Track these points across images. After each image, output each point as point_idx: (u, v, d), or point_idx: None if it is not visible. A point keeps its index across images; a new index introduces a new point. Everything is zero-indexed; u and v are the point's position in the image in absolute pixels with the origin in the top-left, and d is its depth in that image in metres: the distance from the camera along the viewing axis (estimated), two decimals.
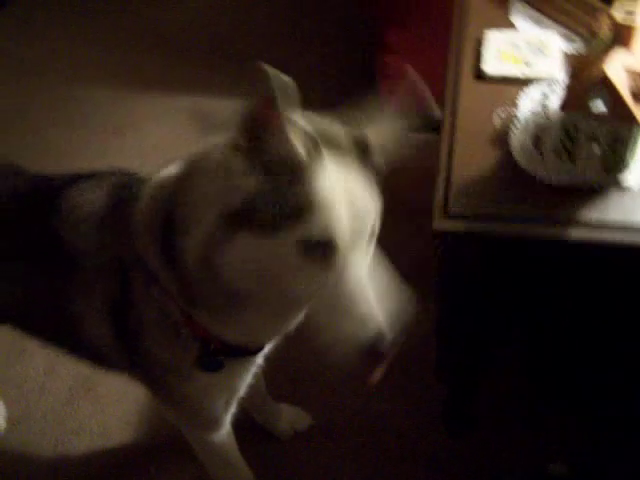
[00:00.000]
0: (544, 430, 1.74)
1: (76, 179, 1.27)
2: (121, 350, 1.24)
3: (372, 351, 0.95)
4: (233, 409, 1.35)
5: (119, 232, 1.15)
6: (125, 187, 1.19)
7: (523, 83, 1.45)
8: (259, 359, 1.29)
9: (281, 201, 0.92)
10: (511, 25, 1.61)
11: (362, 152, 1.01)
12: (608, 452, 1.68)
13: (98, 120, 2.73)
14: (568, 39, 1.56)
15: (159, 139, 2.62)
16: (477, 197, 1.27)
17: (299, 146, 0.93)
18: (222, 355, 1.17)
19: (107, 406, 1.93)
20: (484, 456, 1.74)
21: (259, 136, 0.93)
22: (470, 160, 1.33)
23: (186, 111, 2.70)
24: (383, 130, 1.04)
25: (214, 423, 1.36)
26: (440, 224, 1.25)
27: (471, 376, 1.65)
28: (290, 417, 1.83)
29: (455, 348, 1.55)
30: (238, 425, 1.44)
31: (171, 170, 1.11)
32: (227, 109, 2.65)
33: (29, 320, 1.41)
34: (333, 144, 0.98)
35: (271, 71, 0.89)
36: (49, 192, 1.26)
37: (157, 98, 2.80)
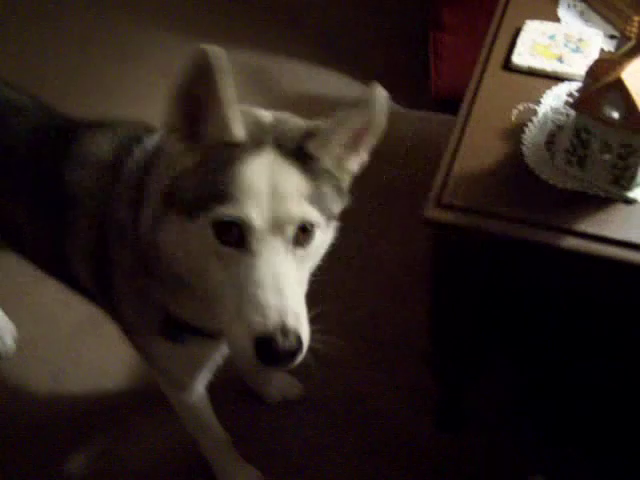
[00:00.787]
0: (528, 441, 1.70)
1: (94, 126, 1.29)
2: (101, 296, 1.28)
3: (267, 347, 0.91)
4: (204, 380, 1.37)
5: (110, 188, 1.16)
6: (129, 144, 1.19)
7: (552, 79, 1.38)
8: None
9: (202, 184, 0.94)
10: (557, 18, 1.53)
11: (300, 148, 1.00)
12: (588, 469, 1.63)
13: (152, 62, 2.74)
14: (612, 39, 1.48)
15: None
16: (475, 190, 1.23)
17: (237, 129, 0.95)
18: (183, 331, 1.17)
19: (110, 346, 1.96)
20: (466, 454, 1.71)
21: (196, 115, 0.95)
22: (478, 151, 1.29)
23: (240, 66, 2.69)
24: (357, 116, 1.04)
25: (182, 386, 1.38)
26: (432, 213, 1.21)
27: (465, 371, 1.62)
28: (281, 385, 1.83)
29: (448, 340, 1.52)
30: (226, 385, 1.45)
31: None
32: (281, 69, 2.65)
33: (33, 251, 1.46)
34: (265, 134, 0.98)
35: (211, 50, 0.91)
36: (67, 135, 1.28)
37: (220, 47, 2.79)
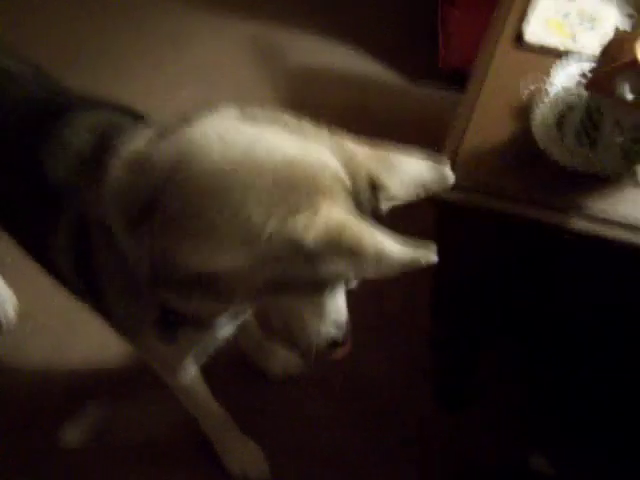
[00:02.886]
0: (529, 421, 1.69)
1: (84, 106, 1.22)
2: (86, 294, 1.23)
3: (331, 346, 1.13)
4: (197, 364, 1.40)
5: (90, 183, 1.07)
6: (113, 134, 1.09)
7: (563, 57, 1.35)
8: (221, 333, 1.26)
9: None
10: None
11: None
12: (590, 450, 1.62)
13: (163, 30, 2.71)
14: (629, 18, 1.44)
15: (216, 59, 2.59)
16: (483, 170, 1.21)
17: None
18: (178, 326, 1.14)
19: None
20: (465, 434, 1.71)
21: None
22: (486, 130, 1.26)
23: (248, 39, 2.66)
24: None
25: (173, 373, 1.39)
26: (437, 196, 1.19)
27: (466, 353, 1.61)
28: (283, 361, 1.82)
29: (450, 324, 1.51)
30: (228, 361, 1.45)
31: (155, 139, 1.02)
32: (289, 42, 2.61)
33: (18, 238, 1.39)
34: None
35: None
36: (55, 112, 1.21)
37: (227, 19, 2.74)
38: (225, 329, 1.25)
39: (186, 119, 1.01)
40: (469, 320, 1.47)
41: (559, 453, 1.64)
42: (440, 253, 1.32)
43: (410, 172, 0.99)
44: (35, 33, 2.64)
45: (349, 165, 0.96)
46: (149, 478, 1.71)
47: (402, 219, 2.01)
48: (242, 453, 1.68)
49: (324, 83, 2.49)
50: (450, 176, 1.02)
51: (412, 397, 1.78)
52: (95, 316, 1.91)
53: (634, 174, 1.17)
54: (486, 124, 1.27)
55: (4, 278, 1.96)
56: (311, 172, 0.92)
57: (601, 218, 1.14)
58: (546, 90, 1.30)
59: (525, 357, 1.77)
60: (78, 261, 1.15)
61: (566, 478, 1.63)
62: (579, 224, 1.14)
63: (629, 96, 1.08)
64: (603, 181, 1.18)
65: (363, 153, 0.98)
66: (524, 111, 1.28)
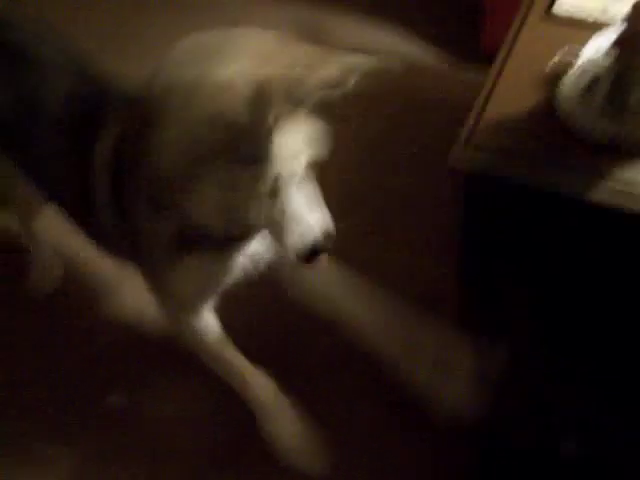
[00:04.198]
0: (561, 406, 1.67)
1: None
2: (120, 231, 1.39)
3: (312, 252, 1.23)
4: (211, 301, 1.48)
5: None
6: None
7: (593, 30, 1.34)
8: (237, 257, 1.39)
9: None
10: None
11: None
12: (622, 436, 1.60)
13: (204, 18, 2.74)
14: None
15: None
16: (505, 139, 1.21)
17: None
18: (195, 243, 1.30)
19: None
20: (495, 419, 1.69)
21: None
22: (511, 100, 1.26)
23: (291, 20, 2.69)
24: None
25: (191, 308, 1.47)
26: (457, 157, 1.20)
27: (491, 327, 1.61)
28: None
29: (476, 290, 1.51)
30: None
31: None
32: (332, 23, 2.63)
33: (65, 205, 1.59)
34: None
35: None
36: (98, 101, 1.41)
37: (267, 3, 2.79)
38: (235, 261, 1.39)
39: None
40: (494, 292, 1.47)
41: (591, 438, 1.62)
42: (464, 224, 1.35)
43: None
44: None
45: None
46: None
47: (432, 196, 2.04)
48: (294, 434, 1.60)
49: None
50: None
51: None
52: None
53: None
54: (511, 95, 1.28)
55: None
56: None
57: (621, 191, 1.14)
58: (574, 61, 1.30)
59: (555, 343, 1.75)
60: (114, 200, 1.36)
61: (598, 463, 1.60)
62: (598, 196, 1.14)
63: None
64: (626, 154, 1.18)
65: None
66: (550, 82, 1.28)
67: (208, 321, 1.52)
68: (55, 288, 2.02)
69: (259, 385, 1.59)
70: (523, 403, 1.59)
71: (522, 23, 1.37)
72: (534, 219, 1.25)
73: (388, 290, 1.84)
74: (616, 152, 1.18)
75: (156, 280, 1.45)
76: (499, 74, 1.29)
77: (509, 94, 1.27)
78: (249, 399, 1.60)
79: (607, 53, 1.28)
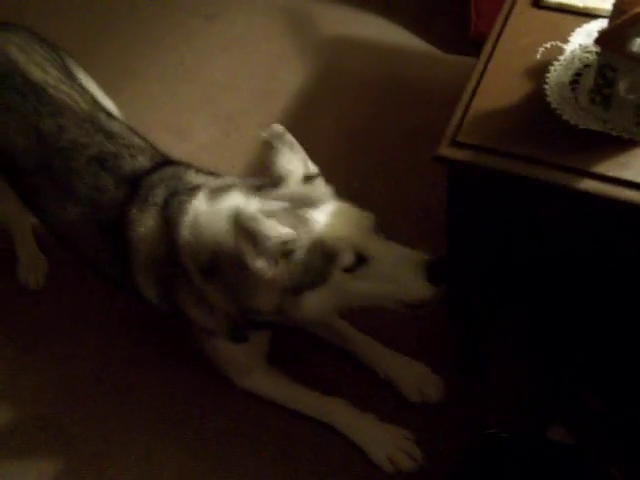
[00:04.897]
0: (546, 391, 1.67)
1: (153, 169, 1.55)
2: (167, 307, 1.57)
3: (417, 306, 1.38)
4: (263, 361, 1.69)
5: (168, 235, 1.44)
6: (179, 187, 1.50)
7: (583, 16, 1.32)
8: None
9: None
10: None
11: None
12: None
13: (192, 4, 2.73)
14: None
15: (244, 31, 2.60)
16: (492, 129, 1.19)
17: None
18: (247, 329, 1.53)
19: None
20: (482, 405, 1.69)
21: None
22: (499, 90, 1.24)
23: (279, 8, 2.66)
24: None
25: (247, 371, 1.68)
26: (445, 150, 1.18)
27: (480, 315, 1.60)
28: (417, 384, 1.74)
29: (465, 283, 1.49)
30: None
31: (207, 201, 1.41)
32: (319, 12, 2.60)
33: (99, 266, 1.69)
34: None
35: None
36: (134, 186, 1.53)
37: None
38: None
39: (225, 188, 1.43)
40: (482, 281, 1.46)
41: (578, 423, 1.62)
42: (451, 214, 1.33)
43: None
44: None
45: None
46: None
47: (426, 185, 2.03)
48: (385, 440, 1.62)
49: (355, 53, 2.48)
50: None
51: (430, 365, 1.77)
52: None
53: None
54: (499, 85, 1.25)
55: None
56: None
57: (612, 178, 1.12)
58: (563, 50, 1.28)
59: (543, 330, 1.74)
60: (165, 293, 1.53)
61: (585, 448, 1.60)
62: (589, 184, 1.12)
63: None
64: (614, 141, 1.16)
65: None
66: (539, 70, 1.26)
67: (268, 377, 1.70)
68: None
69: (336, 411, 1.65)
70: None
71: (511, 8, 1.34)
72: (524, 207, 1.23)
73: None
74: (605, 139, 1.16)
75: (208, 352, 1.65)
76: (487, 61, 1.27)
77: (497, 86, 1.24)
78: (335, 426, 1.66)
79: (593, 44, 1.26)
